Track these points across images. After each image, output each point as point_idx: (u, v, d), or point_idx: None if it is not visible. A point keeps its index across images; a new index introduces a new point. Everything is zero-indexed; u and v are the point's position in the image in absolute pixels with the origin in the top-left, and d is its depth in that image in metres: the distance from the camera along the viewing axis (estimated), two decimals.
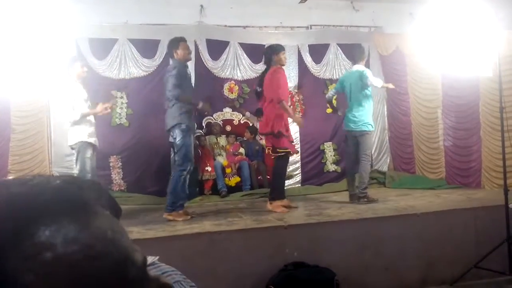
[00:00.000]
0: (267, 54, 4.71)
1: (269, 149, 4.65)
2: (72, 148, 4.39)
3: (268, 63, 4.67)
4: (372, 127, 4.96)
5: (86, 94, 4.43)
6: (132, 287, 0.41)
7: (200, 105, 4.38)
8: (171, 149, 6.10)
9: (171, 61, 4.48)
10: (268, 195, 4.69)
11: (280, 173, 4.67)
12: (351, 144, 5.02)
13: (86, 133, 4.33)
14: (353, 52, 5.30)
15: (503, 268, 3.61)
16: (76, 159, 4.31)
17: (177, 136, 4.21)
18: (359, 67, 5.02)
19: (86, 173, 4.20)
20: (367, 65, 6.92)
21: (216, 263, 3.40)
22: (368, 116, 4.92)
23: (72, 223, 0.40)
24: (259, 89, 4.73)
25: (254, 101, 6.49)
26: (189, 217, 4.19)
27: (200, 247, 3.43)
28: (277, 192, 4.59)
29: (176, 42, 4.39)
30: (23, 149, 5.64)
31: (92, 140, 4.39)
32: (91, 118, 4.42)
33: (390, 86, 5.16)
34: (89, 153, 4.31)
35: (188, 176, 4.30)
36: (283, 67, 4.70)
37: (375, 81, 4.92)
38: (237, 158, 6.35)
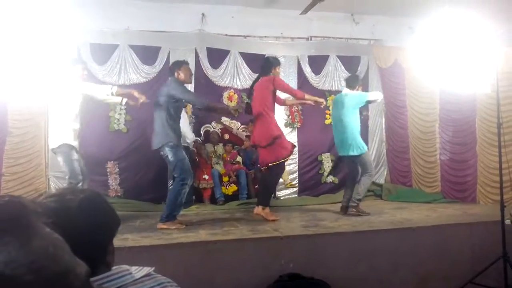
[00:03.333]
0: (268, 64, 4.70)
1: (267, 165, 4.53)
2: (54, 152, 4.29)
3: (265, 73, 4.65)
4: (364, 148, 4.89)
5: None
6: None
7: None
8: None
9: (170, 79, 4.43)
10: (258, 199, 4.63)
11: (276, 180, 4.78)
12: (347, 165, 5.10)
13: (71, 136, 4.23)
14: (348, 79, 5.28)
15: (498, 284, 3.60)
16: (64, 162, 4.21)
17: (168, 154, 4.20)
18: (347, 90, 5.02)
19: (77, 175, 4.14)
20: (366, 78, 6.99)
21: (211, 272, 3.38)
22: (359, 138, 4.89)
23: (13, 240, 0.41)
24: (248, 101, 4.78)
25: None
26: (183, 226, 4.17)
27: (195, 256, 3.41)
28: (267, 197, 4.59)
29: (180, 64, 4.44)
30: (18, 152, 5.62)
31: (76, 143, 4.28)
32: (77, 122, 4.35)
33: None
34: (74, 155, 4.21)
35: (188, 189, 4.27)
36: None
37: (372, 94, 4.97)
38: (234, 166, 6.35)
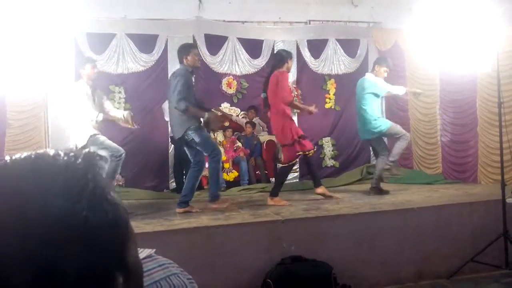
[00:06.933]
0: (281, 58, 4.70)
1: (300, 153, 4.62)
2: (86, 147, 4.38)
3: (278, 67, 4.65)
4: (385, 126, 4.98)
5: (91, 96, 4.41)
6: None
7: (206, 116, 4.32)
8: (171, 144, 6.13)
9: (179, 66, 4.42)
10: (271, 191, 4.70)
11: (287, 173, 4.92)
12: (375, 144, 5.22)
13: (92, 129, 4.33)
14: (376, 60, 5.41)
15: (499, 262, 3.64)
16: (98, 148, 4.28)
17: (194, 138, 4.25)
18: (368, 76, 5.11)
19: (116, 148, 4.30)
20: (365, 61, 6.95)
21: (214, 257, 3.41)
22: (380, 120, 5.01)
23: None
24: (264, 96, 4.78)
25: (252, 97, 6.50)
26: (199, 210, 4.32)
27: (198, 241, 3.44)
28: (278, 190, 4.67)
29: (188, 49, 4.42)
30: (19, 144, 5.63)
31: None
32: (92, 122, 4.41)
33: (417, 91, 5.33)
34: (101, 137, 4.31)
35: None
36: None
37: (394, 89, 5.03)
38: (238, 150, 6.37)
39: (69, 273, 0.39)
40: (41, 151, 0.46)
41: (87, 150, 0.49)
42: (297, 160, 4.85)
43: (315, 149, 4.90)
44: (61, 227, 0.40)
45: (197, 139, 4.25)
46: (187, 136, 4.26)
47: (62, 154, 0.45)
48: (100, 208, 0.43)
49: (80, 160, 0.45)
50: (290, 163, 4.69)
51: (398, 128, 5.07)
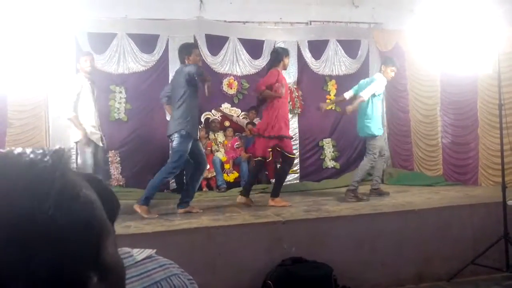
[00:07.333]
0: (276, 56, 4.67)
1: (277, 150, 4.61)
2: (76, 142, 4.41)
3: (274, 65, 4.64)
4: (376, 132, 4.87)
5: (90, 88, 4.43)
6: None
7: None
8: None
9: (180, 65, 4.41)
10: (272, 192, 4.70)
11: (286, 174, 4.86)
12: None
13: (88, 130, 4.35)
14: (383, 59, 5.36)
15: (500, 264, 3.63)
16: (77, 154, 4.33)
17: (175, 140, 4.21)
18: (377, 75, 5.06)
19: (84, 169, 4.18)
20: (366, 62, 6.94)
21: (214, 257, 3.41)
22: (372, 122, 4.88)
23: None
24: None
25: (253, 97, 6.49)
26: (156, 215, 4.10)
27: (198, 242, 3.44)
28: (279, 190, 4.67)
29: (189, 49, 4.40)
30: (20, 143, 5.62)
31: (94, 138, 4.39)
32: (93, 115, 4.42)
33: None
34: (88, 149, 4.31)
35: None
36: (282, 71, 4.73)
37: (365, 92, 4.86)
38: (238, 150, 6.37)
39: (38, 273, 0.38)
40: (4, 150, 0.45)
41: (57, 147, 0.47)
42: (290, 157, 4.76)
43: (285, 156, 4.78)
44: (27, 226, 0.39)
45: (174, 144, 4.20)
46: (172, 137, 4.24)
47: (28, 152, 0.44)
48: (69, 207, 0.41)
49: (48, 157, 0.44)
50: (264, 159, 4.60)
51: (379, 144, 4.93)
